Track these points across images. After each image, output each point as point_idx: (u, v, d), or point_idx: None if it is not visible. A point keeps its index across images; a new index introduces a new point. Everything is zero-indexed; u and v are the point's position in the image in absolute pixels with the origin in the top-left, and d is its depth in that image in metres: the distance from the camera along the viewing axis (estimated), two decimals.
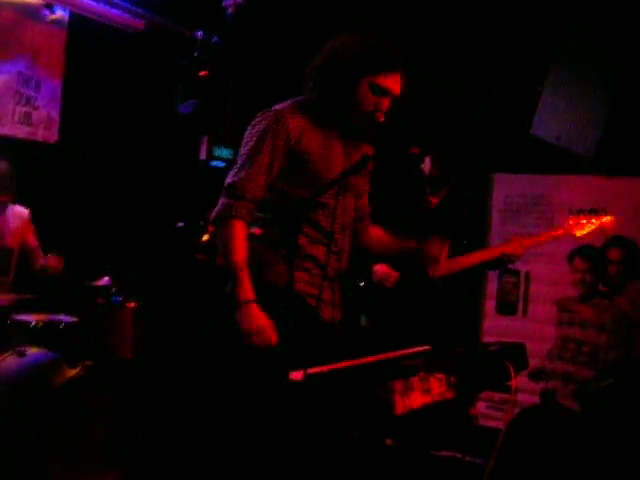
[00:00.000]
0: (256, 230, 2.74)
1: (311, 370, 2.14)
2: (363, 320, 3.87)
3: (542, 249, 4.79)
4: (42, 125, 5.03)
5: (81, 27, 5.12)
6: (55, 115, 5.12)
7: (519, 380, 2.43)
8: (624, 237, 4.90)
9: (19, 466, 3.37)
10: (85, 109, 5.19)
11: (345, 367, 2.29)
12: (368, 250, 3.09)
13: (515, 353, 2.55)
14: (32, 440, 3.39)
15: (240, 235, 2.64)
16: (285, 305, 2.64)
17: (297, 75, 2.85)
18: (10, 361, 3.63)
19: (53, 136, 5.11)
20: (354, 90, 2.68)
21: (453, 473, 3.79)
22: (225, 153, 5.69)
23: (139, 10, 5.26)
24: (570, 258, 5.14)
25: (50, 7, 5.02)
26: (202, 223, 5.23)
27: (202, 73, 5.49)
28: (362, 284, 3.77)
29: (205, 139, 5.64)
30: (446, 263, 3.83)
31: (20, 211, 4.43)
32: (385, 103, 2.71)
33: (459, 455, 3.86)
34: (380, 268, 3.80)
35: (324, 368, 2.22)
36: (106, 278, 4.22)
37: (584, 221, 3.85)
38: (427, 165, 3.86)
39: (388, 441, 2.55)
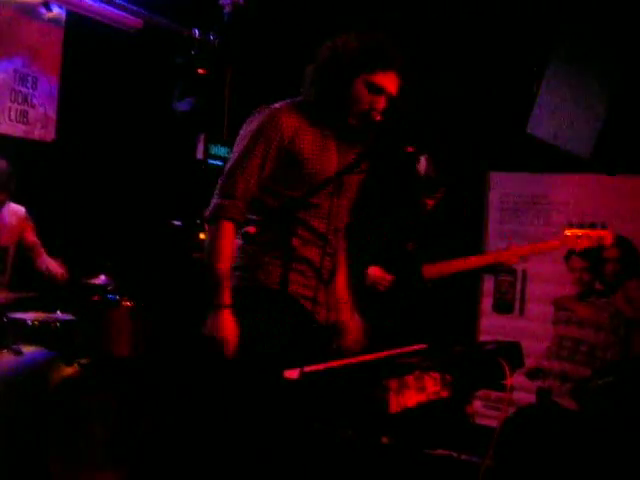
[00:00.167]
0: (251, 229, 2.73)
1: (307, 368, 2.15)
2: None
3: None
4: (39, 123, 5.01)
5: (78, 25, 5.10)
6: (52, 113, 5.10)
7: (516, 379, 2.44)
8: (621, 236, 4.90)
9: (19, 466, 3.37)
10: (82, 107, 5.18)
11: (340, 365, 2.30)
12: None
13: (510, 352, 2.56)
14: (31, 439, 3.40)
15: (228, 237, 2.64)
16: (279, 307, 2.63)
17: (295, 73, 2.85)
18: (7, 359, 3.63)
19: (50, 134, 5.09)
20: (350, 88, 2.67)
21: (449, 472, 3.80)
22: (222, 151, 5.69)
23: (136, 8, 5.25)
24: (567, 257, 5.13)
25: (47, 5, 5.00)
26: (199, 221, 5.21)
27: (199, 71, 5.49)
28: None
29: (202, 137, 5.63)
30: (439, 266, 3.83)
31: (16, 209, 4.41)
32: (381, 102, 2.69)
33: (455, 454, 3.86)
34: (373, 271, 3.80)
35: (320, 366, 2.22)
36: (103, 276, 4.21)
37: (581, 234, 3.86)
38: (422, 165, 3.85)
39: (383, 439, 2.55)
